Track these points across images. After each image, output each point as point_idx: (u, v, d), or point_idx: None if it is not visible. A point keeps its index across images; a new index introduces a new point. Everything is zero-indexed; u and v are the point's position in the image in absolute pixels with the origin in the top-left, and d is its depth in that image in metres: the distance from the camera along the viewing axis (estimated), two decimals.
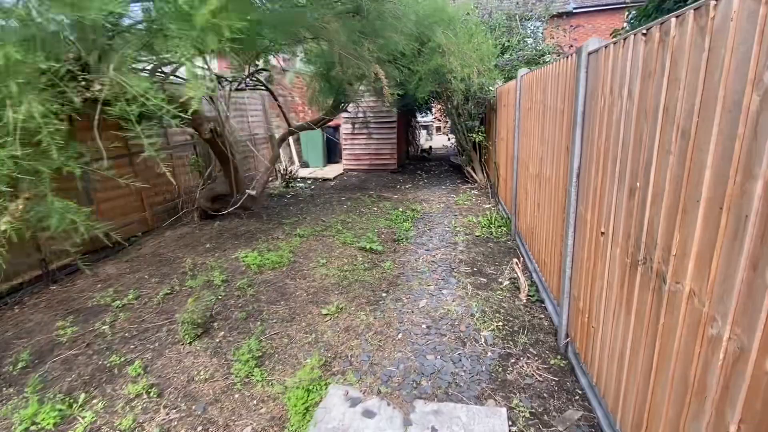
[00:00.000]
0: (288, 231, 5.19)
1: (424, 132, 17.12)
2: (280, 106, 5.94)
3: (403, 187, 8.28)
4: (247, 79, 5.33)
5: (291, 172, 8.34)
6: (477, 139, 6.76)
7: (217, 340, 2.91)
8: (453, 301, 3.41)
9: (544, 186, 3.37)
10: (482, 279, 3.81)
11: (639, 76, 1.62)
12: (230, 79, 5.25)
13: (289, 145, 10.16)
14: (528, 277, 3.73)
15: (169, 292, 3.62)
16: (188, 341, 2.85)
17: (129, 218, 5.21)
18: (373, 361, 2.66)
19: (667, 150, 1.41)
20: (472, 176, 8.21)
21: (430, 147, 12.58)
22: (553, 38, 8.58)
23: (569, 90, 2.58)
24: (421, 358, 2.67)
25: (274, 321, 3.14)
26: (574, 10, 13.50)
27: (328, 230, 5.26)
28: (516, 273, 3.56)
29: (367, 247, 4.51)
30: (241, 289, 3.62)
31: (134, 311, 3.35)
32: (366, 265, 4.18)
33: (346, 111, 6.70)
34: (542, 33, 9.35)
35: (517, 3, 8.35)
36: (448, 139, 10.31)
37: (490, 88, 6.55)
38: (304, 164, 10.40)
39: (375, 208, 6.55)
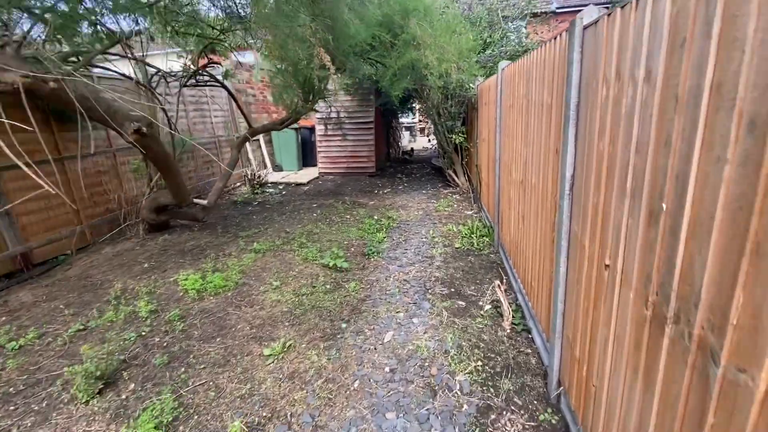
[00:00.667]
0: (243, 245, 4.58)
1: (407, 133, 16.65)
2: (239, 105, 5.34)
3: (380, 192, 7.73)
4: (198, 75, 4.70)
5: (259, 177, 7.71)
6: (457, 141, 6.27)
7: (124, 396, 2.30)
8: (425, 332, 2.87)
9: (530, 195, 2.86)
10: (460, 302, 3.28)
11: (664, 46, 1.10)
12: (174, 74, 4.62)
13: (260, 147, 9.52)
14: (512, 299, 3.22)
15: (82, 328, 2.99)
16: (84, 399, 2.23)
17: (59, 233, 4.52)
18: (318, 423, 2.09)
19: (719, 155, 0.89)
20: (453, 180, 7.72)
21: (412, 149, 12.10)
22: (537, 34, 8.18)
23: (558, 78, 2.07)
24: (379, 418, 2.11)
25: (203, 366, 2.55)
26: (558, 10, 13.18)
27: (290, 244, 4.67)
28: (498, 297, 3.04)
29: (332, 263, 3.94)
30: (171, 323, 3.01)
31: (31, 355, 2.71)
32: (328, 286, 3.61)
33: (315, 111, 6.15)
34: (525, 29, 8.95)
35: None
36: (428, 141, 9.83)
37: (471, 85, 6.06)
38: (278, 168, 9.77)
39: (348, 216, 5.98)
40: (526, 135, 2.93)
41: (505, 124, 3.89)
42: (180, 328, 2.93)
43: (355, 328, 2.95)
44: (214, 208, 5.07)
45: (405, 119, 16.36)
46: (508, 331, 2.87)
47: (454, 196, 7.06)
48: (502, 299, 2.98)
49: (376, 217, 5.88)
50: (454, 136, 6.37)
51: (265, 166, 9.61)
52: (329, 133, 8.81)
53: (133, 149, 5.54)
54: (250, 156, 8.79)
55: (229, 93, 5.13)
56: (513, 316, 2.94)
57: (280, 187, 8.44)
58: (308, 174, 9.37)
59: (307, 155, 10.19)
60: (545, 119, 2.37)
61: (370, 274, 3.91)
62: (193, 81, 4.79)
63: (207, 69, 4.61)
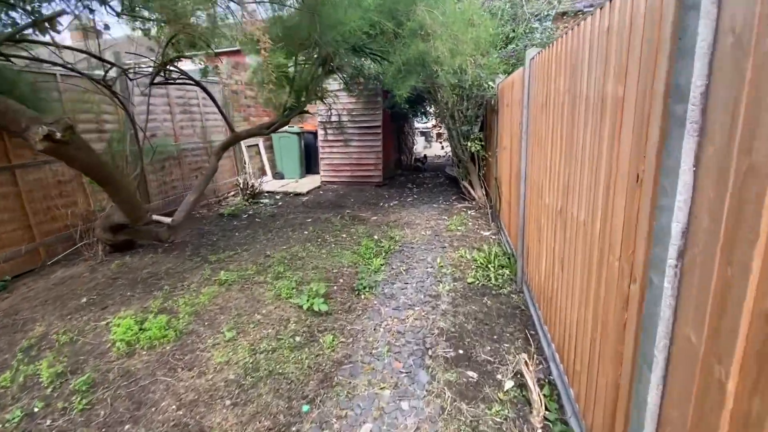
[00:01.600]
0: (209, 274, 3.81)
1: (422, 139, 15.77)
2: (218, 107, 4.61)
3: (386, 205, 6.88)
4: (167, 72, 3.99)
5: (253, 187, 6.99)
6: (474, 149, 5.36)
7: None
8: (416, 429, 1.99)
9: (574, 235, 1.96)
10: (470, 374, 2.39)
11: None
12: (135, 70, 3.91)
13: (259, 153, 8.84)
14: (543, 371, 2.31)
15: None
16: None
17: (2, 253, 3.87)
18: None
19: None
20: (469, 192, 6.81)
21: (425, 156, 11.23)
22: (567, 26, 7.18)
23: (649, 51, 1.18)
24: None
25: None
26: (585, 9, 12.00)
27: (265, 272, 3.88)
28: (525, 378, 2.14)
29: (308, 305, 3.11)
30: (75, 395, 2.24)
31: None
32: (297, 338, 2.78)
33: (307, 113, 5.39)
34: (551, 25, 7.95)
35: None
36: (442, 147, 8.94)
37: (490, 83, 5.17)
38: (278, 175, 9.07)
39: (343, 235, 5.16)
40: (569, 146, 2.03)
41: (533, 129, 2.99)
42: (82, 406, 2.15)
43: (320, 415, 2.10)
44: (182, 227, 4.33)
45: (420, 123, 15.50)
46: (539, 429, 1.97)
47: (469, 212, 6.14)
48: (530, 384, 2.08)
49: (376, 237, 5.04)
50: (469, 144, 5.48)
51: (265, 174, 8.92)
52: (332, 138, 8.04)
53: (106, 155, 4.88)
54: (247, 163, 8.11)
55: (207, 92, 4.41)
56: (545, 407, 2.04)
57: (277, 197, 7.71)
58: (310, 183, 8.62)
59: (311, 162, 9.45)
60: (610, 124, 1.48)
61: (356, 320, 3.06)
62: (162, 78, 4.10)
63: (176, 64, 3.90)
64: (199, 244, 4.72)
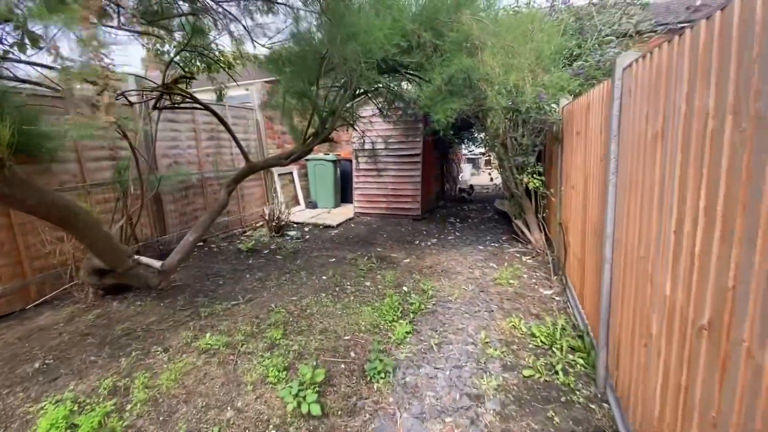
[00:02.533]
0: (193, 335, 3.12)
1: (469, 166, 14.77)
2: (233, 135, 4.08)
3: (422, 244, 5.98)
4: (171, 94, 3.52)
5: (279, 219, 6.44)
6: (532, 185, 4.35)
7: None
8: None
9: (745, 381, 0.95)
10: None
11: None
12: (132, 91, 3.47)
13: (292, 181, 8.40)
14: None
15: None
16: None
17: None
18: None
19: None
20: (523, 234, 5.72)
21: (471, 186, 10.22)
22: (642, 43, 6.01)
23: None
24: None
25: None
26: (658, 28, 10.50)
27: (259, 336, 3.12)
28: None
29: (295, 402, 2.27)
30: None
31: None
32: None
33: (331, 141, 4.75)
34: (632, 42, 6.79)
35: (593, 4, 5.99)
36: (490, 178, 7.92)
37: (553, 105, 4.20)
38: (311, 204, 8.54)
39: (367, 283, 4.32)
40: (729, 212, 1.06)
41: (629, 171, 2.00)
42: None
43: None
44: (173, 272, 3.74)
45: (467, 149, 14.50)
46: None
47: (524, 259, 5.05)
48: None
49: (405, 289, 4.15)
50: (526, 178, 4.47)
51: (297, 203, 8.44)
52: (366, 167, 7.38)
53: (113, 185, 4.53)
54: (278, 191, 7.66)
55: (218, 118, 3.91)
56: None
57: (306, 229, 7.11)
58: (343, 214, 7.96)
59: (346, 191, 8.85)
60: None
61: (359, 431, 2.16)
62: (168, 102, 3.66)
63: (178, 84, 3.44)
64: (198, 290, 4.11)
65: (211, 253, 5.59)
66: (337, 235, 6.62)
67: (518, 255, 5.27)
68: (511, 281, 4.29)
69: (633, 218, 1.95)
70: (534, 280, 4.34)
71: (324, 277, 4.53)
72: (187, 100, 3.61)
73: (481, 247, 5.71)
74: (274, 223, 6.41)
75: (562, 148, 4.18)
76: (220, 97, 4.21)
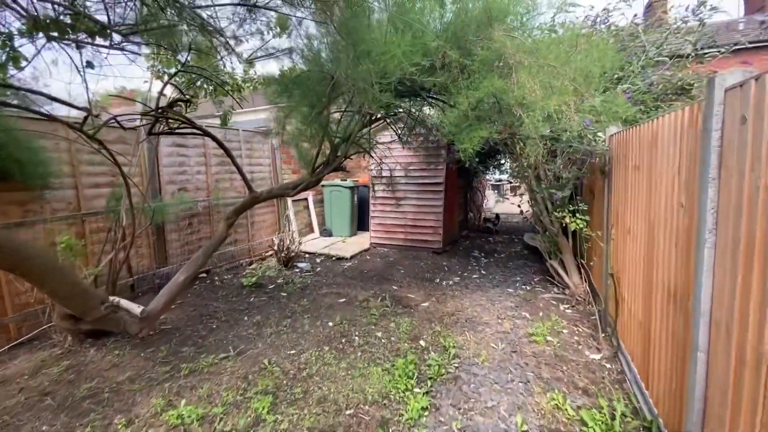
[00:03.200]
0: (165, 402, 2.61)
1: (494, 193, 14.11)
2: (234, 162, 3.71)
3: (444, 283, 5.37)
4: (167, 119, 3.19)
5: (288, 249, 6.00)
6: (574, 226, 3.71)
7: None
8: None
9: None
10: None
11: None
12: (141, 118, 3.14)
13: (307, 207, 8.02)
14: None
15: None
16: None
17: None
18: None
19: None
20: (559, 276, 5.03)
21: (497, 215, 9.55)
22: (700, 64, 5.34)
23: None
24: None
25: None
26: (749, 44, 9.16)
27: (243, 407, 2.58)
28: None
29: None
30: None
31: None
32: None
33: (342, 170, 4.30)
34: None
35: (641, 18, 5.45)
36: (519, 209, 7.24)
37: (599, 135, 3.61)
38: (326, 232, 8.11)
39: (378, 334, 3.75)
40: None
41: (746, 229, 1.40)
42: None
43: None
44: (157, 318, 3.29)
45: (490, 176, 13.88)
46: None
47: (562, 308, 4.35)
48: None
49: (423, 343, 3.55)
50: (567, 217, 3.85)
51: (311, 231, 8.02)
52: (385, 195, 6.90)
53: (109, 213, 4.20)
54: (291, 218, 7.27)
55: (219, 144, 3.55)
56: None
57: (318, 260, 6.63)
58: (359, 243, 7.46)
59: (364, 219, 8.38)
60: None
61: None
62: (165, 127, 3.33)
63: (174, 108, 3.10)
64: (187, 336, 3.64)
65: (213, 287, 5.17)
66: (350, 269, 6.10)
67: (554, 302, 4.58)
68: (548, 338, 3.62)
69: (756, 300, 1.34)
70: (576, 338, 3.64)
71: (330, 324, 3.98)
72: (183, 125, 3.27)
73: (510, 290, 5.04)
74: (283, 255, 5.97)
75: (610, 184, 3.57)
76: (224, 122, 3.87)
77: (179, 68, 2.95)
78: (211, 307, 4.42)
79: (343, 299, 4.72)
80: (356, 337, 3.68)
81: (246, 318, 4.13)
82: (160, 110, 3.01)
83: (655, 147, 2.42)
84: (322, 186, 8.11)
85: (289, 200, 7.25)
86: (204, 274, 5.60)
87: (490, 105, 3.31)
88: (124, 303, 3.02)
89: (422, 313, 4.32)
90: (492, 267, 6.16)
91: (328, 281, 5.50)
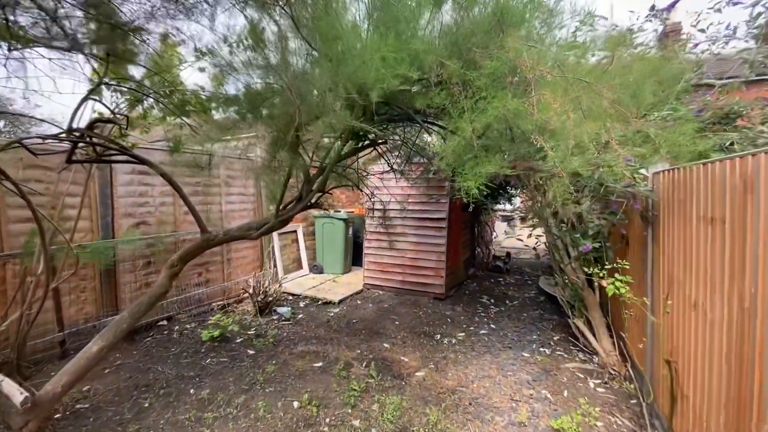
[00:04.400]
0: None
1: (503, 224, 13.24)
2: (183, 197, 2.99)
3: (445, 342, 4.48)
4: (85, 142, 2.51)
5: (267, 293, 5.20)
6: (613, 290, 2.83)
7: None
8: None
9: None
10: None
11: None
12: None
13: (296, 241, 7.26)
14: None
15: None
16: None
17: None
18: None
19: None
20: (584, 337, 4.12)
21: (508, 254, 8.67)
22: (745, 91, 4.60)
23: None
24: None
25: None
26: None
27: None
28: None
29: None
30: None
31: None
32: None
33: (317, 207, 3.56)
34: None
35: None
36: (534, 248, 6.34)
37: (641, 170, 2.82)
38: (317, 269, 7.30)
39: (356, 423, 2.87)
40: None
41: None
42: None
43: None
44: (52, 405, 2.47)
45: (501, 205, 13.02)
46: None
47: (592, 385, 3.44)
48: None
49: None
50: (598, 273, 2.98)
51: (300, 267, 7.23)
52: (380, 230, 6.12)
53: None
54: (277, 254, 6.51)
55: (162, 175, 2.84)
56: None
57: (302, 304, 5.80)
58: (350, 284, 6.63)
59: (359, 254, 7.58)
60: None
61: None
62: (82, 152, 2.65)
63: (95, 129, 2.42)
64: (102, 423, 2.80)
65: (168, 340, 4.36)
66: (336, 317, 5.25)
67: (581, 375, 3.66)
68: None
69: None
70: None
71: (295, 404, 3.11)
72: (113, 150, 2.58)
73: (526, 354, 4.13)
74: (259, 299, 5.16)
75: (656, 235, 2.75)
76: (177, 148, 3.19)
77: (99, 82, 2.29)
78: (154, 372, 3.59)
79: (320, 363, 3.86)
80: (325, 429, 2.81)
81: (192, 391, 3.28)
82: (76, 133, 2.34)
83: (749, 194, 1.63)
84: (315, 217, 7.39)
85: (275, 234, 6.52)
86: (164, 322, 4.81)
87: (500, 131, 2.57)
88: (6, 386, 2.23)
89: (415, 387, 3.43)
90: (503, 319, 5.25)
91: (308, 334, 4.65)
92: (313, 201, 3.26)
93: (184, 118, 2.94)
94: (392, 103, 2.79)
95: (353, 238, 7.59)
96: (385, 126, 3.54)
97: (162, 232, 4.78)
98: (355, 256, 7.70)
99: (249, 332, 4.66)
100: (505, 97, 2.28)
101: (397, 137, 4.08)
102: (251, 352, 4.11)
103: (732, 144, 2.94)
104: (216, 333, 4.25)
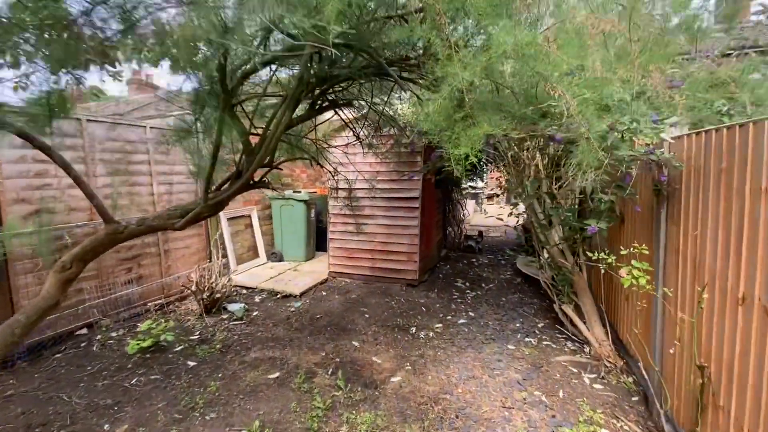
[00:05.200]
0: None
1: (471, 203, 12.95)
2: (77, 179, 2.17)
3: (422, 334, 3.99)
4: None
5: (214, 289, 4.43)
6: (630, 282, 2.36)
7: None
8: None
9: None
10: None
11: None
12: None
13: (251, 225, 6.44)
14: None
15: None
16: None
17: None
18: None
19: None
20: (573, 325, 3.77)
21: (480, 233, 8.31)
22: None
23: None
24: None
25: None
26: None
27: None
28: None
29: None
30: None
31: None
32: None
33: (264, 186, 2.84)
34: None
35: None
36: (515, 228, 5.89)
37: (662, 135, 2.33)
38: (276, 257, 6.55)
39: None
40: None
41: None
42: None
43: None
44: None
45: (470, 183, 12.64)
46: None
47: (588, 381, 3.06)
48: None
49: None
50: (609, 258, 2.51)
51: (257, 255, 6.44)
52: (345, 212, 5.45)
53: None
54: (227, 243, 5.68)
55: (41, 148, 2.01)
56: None
57: (258, 299, 5.09)
58: (314, 273, 5.97)
59: (323, 238, 6.88)
60: None
61: None
62: None
63: None
64: None
65: (85, 355, 3.53)
66: (297, 313, 4.60)
67: (575, 369, 3.28)
68: None
69: None
70: None
71: None
72: None
73: (511, 347, 3.71)
74: (204, 296, 4.39)
75: (676, 215, 2.30)
76: (61, 109, 2.32)
77: None
78: (58, 402, 2.79)
79: (277, 373, 3.23)
80: None
81: (107, 427, 2.55)
82: None
83: None
84: (270, 199, 6.57)
85: (223, 218, 5.66)
86: (84, 330, 3.94)
87: (500, 85, 1.96)
88: None
89: (391, 398, 2.90)
90: (482, 305, 4.84)
91: (264, 335, 3.98)
92: (257, 179, 2.53)
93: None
94: (358, 47, 2.09)
95: (316, 221, 6.87)
96: (348, 84, 2.83)
97: (73, 221, 3.84)
98: (319, 241, 7.01)
99: (191, 337, 3.91)
100: (509, 27, 1.65)
101: (364, 102, 3.37)
102: (192, 363, 3.39)
103: None
104: (146, 343, 3.47)
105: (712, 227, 1.97)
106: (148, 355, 3.51)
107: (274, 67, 2.39)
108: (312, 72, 2.29)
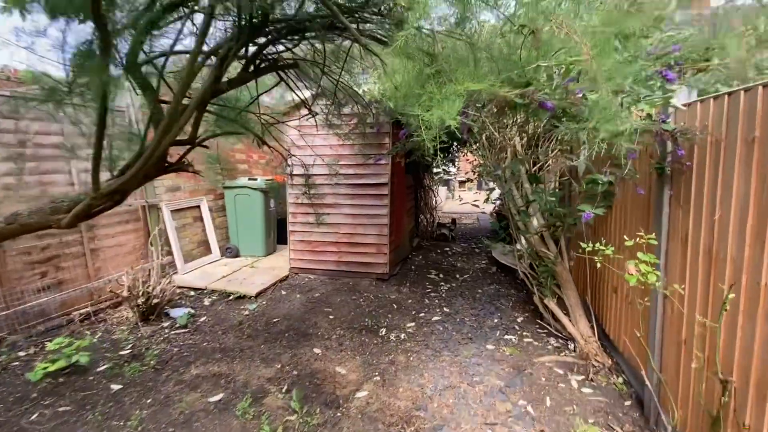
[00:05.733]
0: None
1: (443, 189, 12.63)
2: None
3: (392, 337, 3.56)
4: None
5: (150, 295, 3.79)
6: (636, 280, 2.01)
7: None
8: None
9: None
10: None
11: None
12: None
13: (200, 218, 5.75)
14: None
15: None
16: None
17: None
18: None
19: None
20: (556, 319, 3.46)
21: (453, 220, 7.97)
22: None
23: None
24: None
25: None
26: None
27: None
28: None
29: None
30: None
31: None
32: None
33: (181, 169, 2.28)
34: None
35: None
36: (492, 213, 5.51)
37: (673, 101, 1.95)
38: (231, 252, 5.91)
39: None
40: None
41: None
42: None
43: None
44: None
45: (440, 168, 12.24)
46: None
47: (576, 384, 2.75)
48: None
49: None
50: (607, 249, 2.15)
51: (209, 251, 5.77)
52: (306, 202, 4.89)
53: None
54: (171, 238, 4.97)
55: None
56: None
57: (207, 301, 4.48)
58: (274, 268, 5.40)
59: (284, 229, 6.29)
60: None
61: None
62: None
63: None
64: None
65: None
66: (251, 317, 4.05)
67: (560, 371, 2.97)
68: None
69: None
70: None
71: None
72: None
73: (490, 347, 3.36)
74: (139, 302, 3.74)
75: (685, 197, 1.95)
76: None
77: None
78: None
79: (220, 395, 2.70)
80: None
81: None
82: None
83: None
84: (224, 187, 5.89)
85: (165, 209, 4.95)
86: None
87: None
88: None
89: (356, 419, 2.46)
90: (456, 299, 4.48)
91: (210, 346, 3.43)
92: (172, 162, 1.96)
93: None
94: None
95: (276, 212, 6.26)
96: (296, 40, 2.28)
97: None
98: (281, 233, 6.42)
99: (122, 353, 3.30)
100: None
101: (318, 69, 2.81)
102: (116, 387, 2.80)
103: None
104: (55, 366, 2.83)
105: (737, 211, 1.61)
106: (61, 380, 2.88)
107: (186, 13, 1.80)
108: (243, 18, 1.73)
